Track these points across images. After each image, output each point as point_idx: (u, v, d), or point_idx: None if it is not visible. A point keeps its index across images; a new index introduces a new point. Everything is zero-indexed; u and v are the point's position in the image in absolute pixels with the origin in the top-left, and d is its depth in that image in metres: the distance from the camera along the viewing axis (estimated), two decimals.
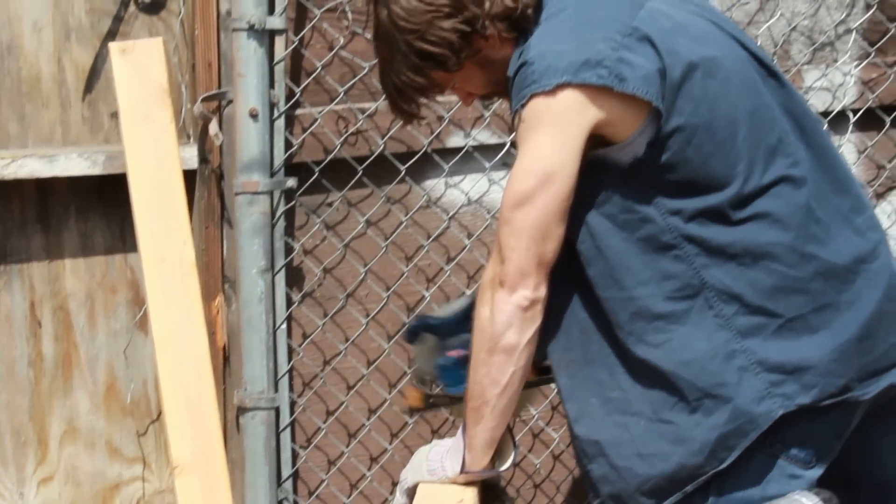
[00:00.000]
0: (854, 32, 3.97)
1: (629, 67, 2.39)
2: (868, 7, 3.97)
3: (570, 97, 2.40)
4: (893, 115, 4.02)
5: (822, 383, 2.45)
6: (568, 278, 2.51)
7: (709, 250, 2.45)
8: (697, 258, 2.45)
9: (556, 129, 2.41)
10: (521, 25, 2.53)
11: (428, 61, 2.55)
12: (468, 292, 3.67)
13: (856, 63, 3.97)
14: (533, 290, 2.45)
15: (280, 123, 3.45)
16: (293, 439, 3.59)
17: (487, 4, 2.51)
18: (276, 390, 3.50)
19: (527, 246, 2.43)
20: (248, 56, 3.37)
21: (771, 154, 2.47)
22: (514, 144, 2.51)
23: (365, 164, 3.55)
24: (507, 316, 2.45)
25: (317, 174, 3.51)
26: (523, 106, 2.44)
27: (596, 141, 2.44)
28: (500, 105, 3.63)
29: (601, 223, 2.48)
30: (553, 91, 2.40)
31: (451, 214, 3.69)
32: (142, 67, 3.33)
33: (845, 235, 2.51)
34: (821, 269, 2.48)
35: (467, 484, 2.63)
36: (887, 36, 3.98)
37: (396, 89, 2.61)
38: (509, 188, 2.46)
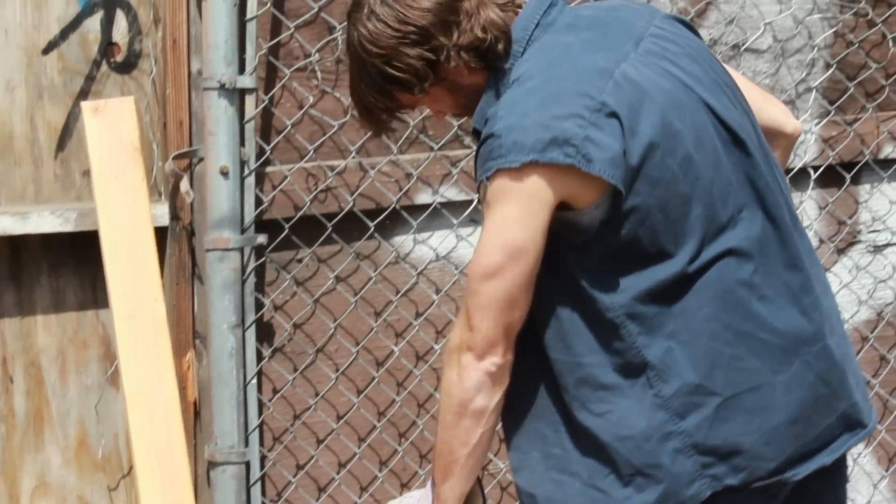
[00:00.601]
0: (814, 91, 4.03)
1: (596, 147, 2.38)
2: (827, 66, 4.04)
3: (536, 175, 2.39)
4: (853, 172, 4.08)
5: (751, 467, 2.46)
6: (523, 335, 2.51)
7: (650, 329, 2.45)
8: (639, 337, 2.45)
9: (522, 205, 2.41)
10: (489, 58, 2.53)
11: (393, 84, 2.55)
12: (437, 347, 3.71)
13: (816, 121, 4.03)
14: (501, 356, 2.46)
15: (250, 181, 3.49)
16: (263, 493, 3.60)
17: (455, 35, 2.50)
18: (247, 445, 3.52)
19: (494, 317, 2.44)
20: (218, 115, 3.41)
21: (721, 230, 2.47)
22: (480, 202, 2.52)
23: (334, 221, 3.59)
24: (476, 382, 2.46)
25: (287, 231, 3.55)
26: (489, 179, 2.44)
27: (559, 205, 2.44)
28: (467, 162, 3.68)
29: (558, 290, 2.49)
30: (520, 169, 2.39)
31: (419, 270, 3.73)
32: (113, 126, 3.37)
33: (790, 314, 2.51)
34: (756, 348, 2.48)
35: None
36: (846, 94, 4.05)
37: (365, 108, 2.62)
38: (477, 261, 2.45)
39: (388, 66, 2.52)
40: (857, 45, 4.06)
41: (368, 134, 3.57)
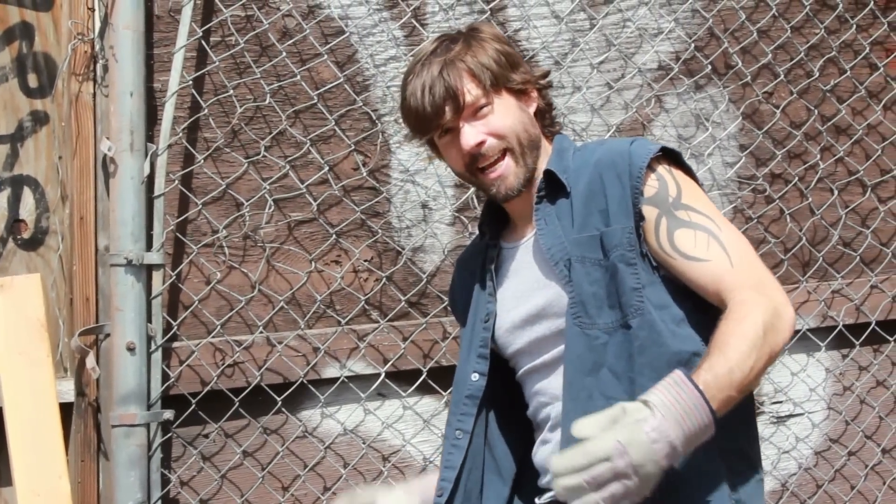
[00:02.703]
0: None
1: None
2: None
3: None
4: None
5: None
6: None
7: None
8: None
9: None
10: (549, 121, 2.88)
11: (511, 63, 2.80)
12: None
13: None
14: None
15: (157, 356, 3.49)
16: None
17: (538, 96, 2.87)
18: None
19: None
20: (125, 291, 3.43)
21: None
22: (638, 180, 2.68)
23: (241, 396, 3.60)
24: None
25: (193, 406, 3.55)
26: (658, 158, 2.70)
27: None
28: (374, 336, 3.72)
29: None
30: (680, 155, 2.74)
31: (326, 444, 3.73)
32: (19, 302, 3.38)
33: None
34: None
35: None
36: None
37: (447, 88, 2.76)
38: (738, 240, 2.62)
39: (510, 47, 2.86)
40: (755, 220, 4.16)
41: (276, 309, 3.62)
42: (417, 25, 3.77)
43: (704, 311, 2.60)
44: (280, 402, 3.65)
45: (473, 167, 2.77)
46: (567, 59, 3.94)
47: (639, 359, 2.58)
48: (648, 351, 2.58)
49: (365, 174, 3.74)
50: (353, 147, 3.73)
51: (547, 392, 2.75)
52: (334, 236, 3.72)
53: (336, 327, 3.71)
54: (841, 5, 4.20)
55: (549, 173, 2.77)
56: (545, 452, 2.75)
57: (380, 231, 3.76)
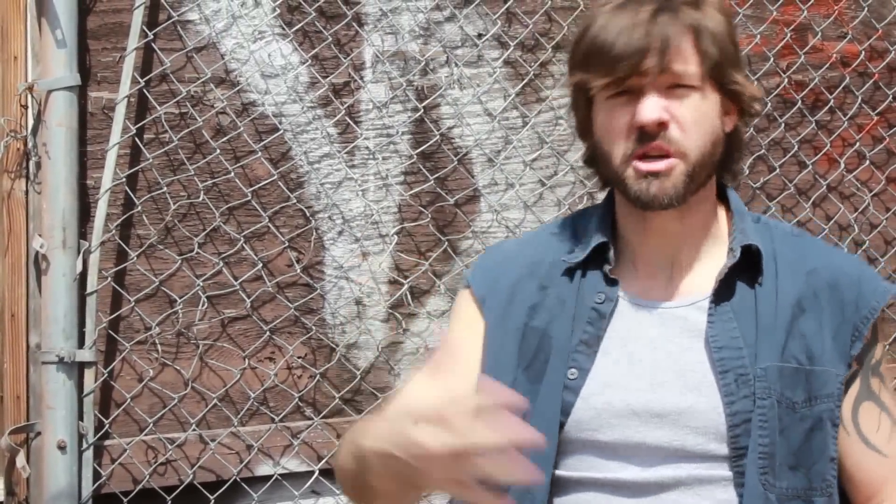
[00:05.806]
0: None
1: None
2: None
3: None
4: None
5: None
6: None
7: None
8: None
9: None
10: (737, 147, 2.26)
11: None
12: None
13: None
14: None
15: (88, 455, 3.47)
16: None
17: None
18: None
19: None
20: (57, 388, 3.41)
21: None
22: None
23: (174, 494, 3.57)
24: None
25: None
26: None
27: None
28: (308, 433, 3.70)
29: None
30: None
31: None
32: None
33: None
34: None
35: None
36: None
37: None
38: None
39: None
40: None
41: (209, 406, 3.60)
42: (351, 123, 3.80)
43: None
44: (213, 501, 3.62)
45: (635, 149, 2.08)
46: (500, 156, 3.98)
47: None
48: None
49: (299, 271, 3.75)
50: (286, 244, 3.74)
51: None
52: (268, 333, 3.71)
53: (269, 424, 3.70)
54: (769, 104, 4.27)
55: (752, 249, 2.15)
56: None
57: (314, 327, 3.76)
